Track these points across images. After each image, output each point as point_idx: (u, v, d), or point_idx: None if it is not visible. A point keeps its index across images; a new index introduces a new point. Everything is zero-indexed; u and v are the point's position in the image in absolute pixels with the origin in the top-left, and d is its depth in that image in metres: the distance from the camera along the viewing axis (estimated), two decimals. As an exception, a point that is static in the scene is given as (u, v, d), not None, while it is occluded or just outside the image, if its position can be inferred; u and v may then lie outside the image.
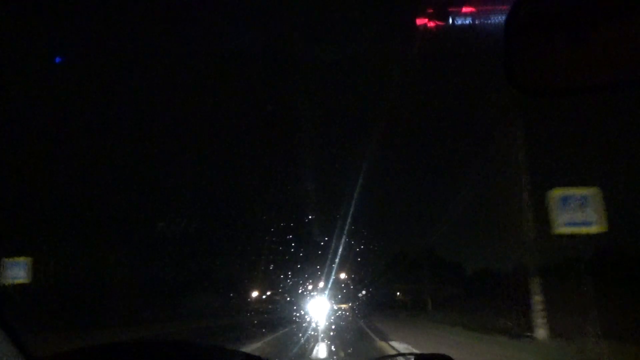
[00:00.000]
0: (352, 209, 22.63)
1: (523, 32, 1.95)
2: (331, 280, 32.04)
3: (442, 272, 36.41)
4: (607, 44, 1.88)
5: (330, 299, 32.07)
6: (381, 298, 38.85)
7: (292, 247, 26.08)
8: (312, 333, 16.92)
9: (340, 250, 28.62)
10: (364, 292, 38.45)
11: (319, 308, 26.69)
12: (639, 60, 1.79)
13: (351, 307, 33.67)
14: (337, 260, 29.80)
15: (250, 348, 11.89)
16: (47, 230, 19.61)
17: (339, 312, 29.62)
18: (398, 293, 42.33)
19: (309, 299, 26.36)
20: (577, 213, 10.41)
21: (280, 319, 22.97)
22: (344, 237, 28.34)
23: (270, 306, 28.84)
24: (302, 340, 14.48)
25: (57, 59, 14.67)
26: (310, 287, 26.98)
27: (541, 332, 13.36)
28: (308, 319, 22.24)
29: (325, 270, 27.40)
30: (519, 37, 1.96)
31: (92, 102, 21.31)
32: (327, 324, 21.52)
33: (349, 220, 23.38)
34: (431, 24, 10.95)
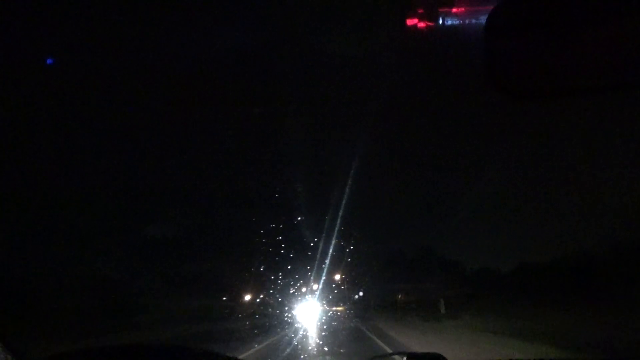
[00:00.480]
0: (342, 208, 22.69)
1: (503, 36, 1.97)
2: (325, 282, 31.93)
3: (442, 271, 34.84)
4: (588, 47, 1.90)
5: (324, 301, 31.86)
6: (380, 299, 36.48)
7: (283, 248, 26.08)
8: (310, 339, 16.63)
9: (333, 251, 28.60)
10: (360, 293, 37.39)
11: (312, 311, 26.62)
12: (619, 63, 1.82)
13: (347, 309, 32.83)
14: (330, 261, 29.75)
15: (244, 354, 11.81)
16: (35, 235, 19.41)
17: (337, 316, 28.61)
18: (400, 295, 38.68)
19: (302, 301, 26.31)
20: None
21: (273, 322, 22.86)
22: (336, 237, 28.35)
23: (261, 308, 28.74)
24: (298, 345, 14.39)
25: (49, 61, 14.48)
26: (303, 289, 26.95)
27: None
28: (303, 323, 22.13)
29: (319, 271, 27.39)
30: (499, 41, 1.98)
31: (78, 102, 21.11)
32: (324, 328, 20.60)
33: (339, 219, 23.42)
34: (421, 25, 10.95)
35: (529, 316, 17.24)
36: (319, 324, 21.69)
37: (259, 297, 30.19)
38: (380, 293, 37.09)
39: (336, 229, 24.05)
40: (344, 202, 21.94)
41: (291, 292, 26.03)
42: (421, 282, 35.50)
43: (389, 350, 11.65)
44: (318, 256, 25.63)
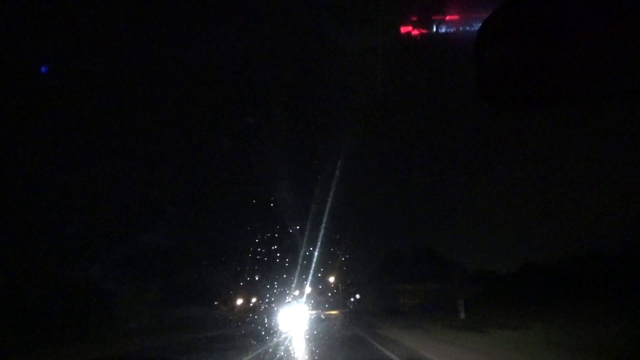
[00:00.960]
0: (332, 215, 22.71)
1: (494, 47, 1.99)
2: (320, 288, 31.86)
3: (444, 271, 31.62)
4: (580, 56, 1.92)
5: (319, 306, 31.58)
6: (381, 302, 34.18)
7: (277, 256, 26.07)
8: (304, 346, 16.27)
9: (327, 257, 28.64)
10: (357, 296, 35.86)
11: (306, 316, 26.49)
12: (609, 73, 1.84)
13: (343, 314, 31.69)
14: (324, 267, 29.79)
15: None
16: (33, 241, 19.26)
17: (333, 322, 27.28)
18: (404, 298, 34.51)
19: (296, 308, 26.21)
20: None
21: (267, 328, 22.70)
22: (330, 244, 28.35)
23: (255, 317, 28.64)
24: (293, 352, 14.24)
25: (43, 69, 14.40)
26: (297, 295, 26.89)
27: None
28: (296, 330, 21.96)
29: (313, 278, 27.37)
30: (490, 51, 1.99)
31: (73, 112, 21.02)
32: (320, 335, 19.08)
33: (324, 222, 23.42)
34: (415, 32, 11.00)
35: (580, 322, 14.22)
36: (315, 332, 21.35)
37: (252, 305, 30.12)
38: (381, 295, 35.06)
39: (321, 235, 24.10)
40: (329, 203, 21.98)
41: (286, 300, 26.00)
42: (423, 282, 32.78)
43: None
44: (312, 263, 25.66)
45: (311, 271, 26.24)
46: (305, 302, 28.40)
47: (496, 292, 26.77)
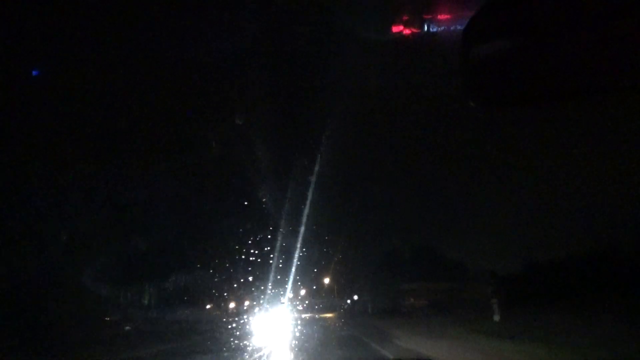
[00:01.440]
0: (321, 212, 22.67)
1: (480, 46, 1.96)
2: (314, 289, 31.72)
3: (447, 270, 30.27)
4: (564, 56, 1.90)
5: (314, 307, 31.38)
6: (382, 303, 31.95)
7: (271, 257, 25.95)
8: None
9: (321, 258, 28.56)
10: (355, 297, 35.22)
11: (301, 319, 26.38)
12: (595, 71, 1.82)
13: (339, 317, 30.38)
14: (318, 267, 29.70)
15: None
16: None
17: (327, 326, 26.46)
18: (412, 298, 31.56)
19: (291, 310, 26.17)
20: None
21: (261, 331, 22.62)
22: (323, 244, 28.30)
23: (250, 317, 28.52)
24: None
25: (35, 72, 14.27)
26: (291, 295, 26.82)
27: None
28: (290, 333, 21.89)
29: (308, 277, 27.33)
30: (475, 50, 1.96)
31: (60, 113, 20.87)
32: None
33: (319, 223, 23.32)
34: (407, 32, 10.99)
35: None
36: (315, 335, 21.07)
37: (246, 307, 29.98)
38: (381, 295, 32.83)
39: (316, 235, 23.99)
40: (323, 206, 21.91)
41: (280, 301, 25.90)
42: (428, 281, 30.75)
43: None
44: (307, 264, 25.60)
45: (306, 272, 26.19)
46: (300, 304, 28.35)
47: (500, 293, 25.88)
